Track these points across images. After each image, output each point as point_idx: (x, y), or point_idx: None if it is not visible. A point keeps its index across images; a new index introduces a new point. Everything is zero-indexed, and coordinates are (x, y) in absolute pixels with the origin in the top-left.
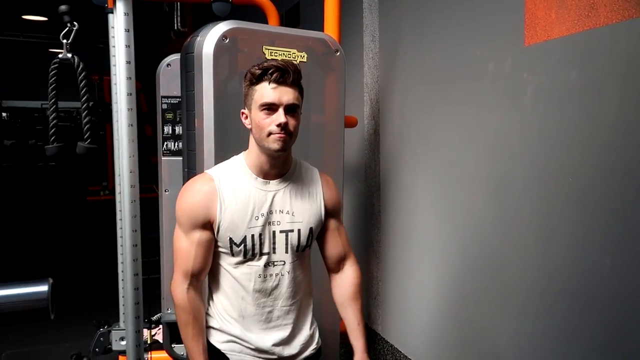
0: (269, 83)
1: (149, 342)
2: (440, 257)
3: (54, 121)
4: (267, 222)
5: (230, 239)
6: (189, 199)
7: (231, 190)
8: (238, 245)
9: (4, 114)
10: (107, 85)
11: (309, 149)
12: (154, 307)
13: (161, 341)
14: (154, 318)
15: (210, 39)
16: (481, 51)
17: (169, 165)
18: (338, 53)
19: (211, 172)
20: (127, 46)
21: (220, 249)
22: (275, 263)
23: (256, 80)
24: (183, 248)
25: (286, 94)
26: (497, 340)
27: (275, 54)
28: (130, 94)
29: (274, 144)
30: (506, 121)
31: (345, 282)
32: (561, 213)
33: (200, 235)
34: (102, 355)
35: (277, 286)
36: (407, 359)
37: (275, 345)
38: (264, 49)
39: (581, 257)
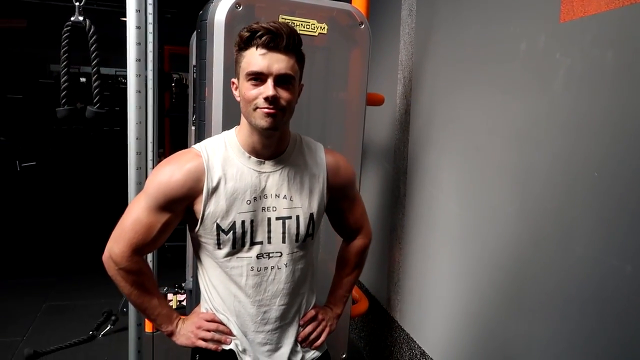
0: (257, 48)
1: (174, 307)
2: (459, 248)
3: (66, 84)
4: (261, 207)
5: (218, 225)
6: (169, 174)
7: (220, 169)
8: (226, 233)
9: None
10: (167, 56)
11: (326, 128)
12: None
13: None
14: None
15: (222, 6)
16: (515, 27)
17: None
18: (363, 26)
19: (199, 147)
20: (137, 11)
21: (205, 243)
22: (271, 254)
23: (244, 44)
24: (142, 222)
25: (277, 62)
26: (508, 342)
27: (292, 24)
28: (139, 60)
29: (261, 120)
30: (534, 107)
31: (349, 249)
32: (583, 211)
33: (169, 217)
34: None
35: (273, 281)
36: (419, 349)
37: (271, 350)
38: (280, 18)
39: (600, 260)
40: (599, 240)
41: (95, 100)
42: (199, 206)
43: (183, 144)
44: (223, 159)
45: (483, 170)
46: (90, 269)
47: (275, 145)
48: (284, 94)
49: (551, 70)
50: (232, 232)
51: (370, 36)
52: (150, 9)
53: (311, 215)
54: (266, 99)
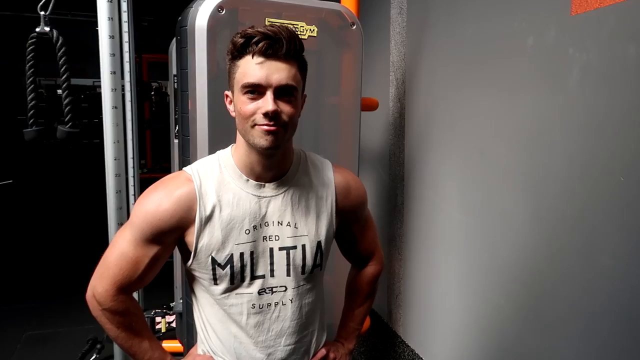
0: (253, 56)
1: (163, 330)
2: (466, 259)
3: (33, 102)
4: (262, 236)
5: (213, 259)
6: (157, 203)
7: (214, 196)
8: (223, 267)
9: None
10: (145, 65)
11: (319, 135)
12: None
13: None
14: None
15: (203, 10)
16: (519, 23)
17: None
18: (354, 27)
19: (190, 171)
20: (110, 19)
21: (199, 277)
22: (274, 289)
23: (238, 52)
24: (128, 256)
25: (277, 72)
26: (526, 358)
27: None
28: (114, 73)
29: (260, 139)
30: (546, 106)
31: (360, 277)
32: (607, 218)
33: (158, 251)
34: None
35: (277, 319)
36: None
37: None
38: (266, 22)
39: (628, 270)
40: (626, 249)
41: (67, 119)
42: (191, 238)
43: (166, 157)
44: (217, 183)
45: (489, 175)
46: (72, 293)
47: (276, 166)
48: (285, 108)
49: (564, 66)
50: (229, 266)
51: (363, 37)
52: (124, 16)
53: (319, 243)
54: (265, 114)
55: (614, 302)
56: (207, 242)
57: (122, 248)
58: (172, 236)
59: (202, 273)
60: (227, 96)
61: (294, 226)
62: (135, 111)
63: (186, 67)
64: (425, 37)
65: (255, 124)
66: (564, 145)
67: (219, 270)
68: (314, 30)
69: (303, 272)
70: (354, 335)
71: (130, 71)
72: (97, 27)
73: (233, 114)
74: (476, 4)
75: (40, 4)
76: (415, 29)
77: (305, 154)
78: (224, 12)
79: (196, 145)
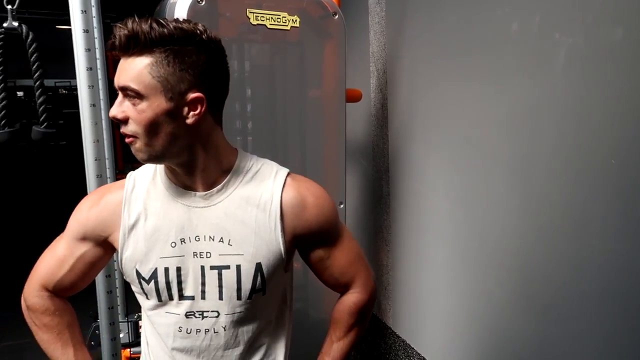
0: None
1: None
2: (455, 247)
3: (3, 102)
4: (192, 251)
5: (137, 272)
6: (88, 204)
7: (141, 203)
8: (148, 282)
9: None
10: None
11: (305, 129)
12: None
13: None
14: None
15: (182, 2)
16: (502, 8)
17: None
18: (337, 16)
19: (129, 176)
20: (84, 11)
21: (133, 287)
22: (205, 314)
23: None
24: (55, 254)
25: (120, 71)
26: (518, 344)
27: (262, 19)
28: (90, 69)
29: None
30: (532, 92)
31: (339, 306)
32: (600, 202)
33: (87, 250)
34: (99, 348)
35: (208, 347)
36: (419, 356)
37: None
38: (247, 12)
39: (623, 255)
40: (620, 234)
41: (42, 119)
42: (116, 245)
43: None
44: (147, 191)
45: (475, 164)
46: None
47: (200, 175)
48: (131, 112)
49: (550, 52)
50: (153, 280)
51: (345, 27)
52: (94, 11)
53: (258, 265)
54: (113, 120)
55: (603, 282)
56: (131, 253)
57: (53, 247)
58: (97, 238)
59: (133, 286)
60: None
61: (228, 243)
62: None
63: None
64: (405, 26)
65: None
66: (552, 130)
67: (144, 284)
68: (296, 20)
69: (239, 297)
70: None
71: (102, 68)
72: (57, 25)
73: None
74: None
75: None
76: (395, 18)
77: (255, 162)
78: (203, 3)
79: None
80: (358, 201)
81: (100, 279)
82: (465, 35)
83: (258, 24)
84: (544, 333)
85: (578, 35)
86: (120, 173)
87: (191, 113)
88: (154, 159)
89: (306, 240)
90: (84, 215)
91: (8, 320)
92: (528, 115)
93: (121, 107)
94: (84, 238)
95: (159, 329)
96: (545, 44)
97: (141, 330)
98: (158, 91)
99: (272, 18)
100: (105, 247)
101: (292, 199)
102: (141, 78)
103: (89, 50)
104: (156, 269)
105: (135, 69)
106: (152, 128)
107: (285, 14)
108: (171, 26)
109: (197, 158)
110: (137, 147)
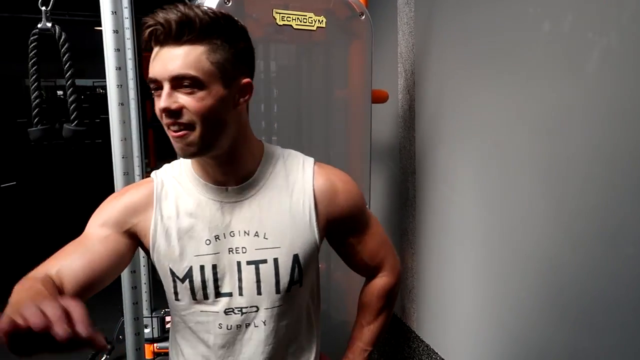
0: (154, 47)
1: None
2: (482, 252)
3: (37, 100)
4: (227, 248)
5: (172, 270)
6: (119, 195)
7: (173, 201)
8: (182, 281)
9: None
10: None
11: (330, 130)
12: None
13: None
14: None
15: (210, 2)
16: (534, 8)
17: None
18: (363, 17)
19: (153, 174)
20: (114, 12)
21: (166, 292)
22: (244, 310)
23: (145, 47)
24: (79, 238)
25: (171, 60)
26: (547, 355)
27: (288, 19)
28: (119, 69)
29: (175, 146)
30: (565, 94)
31: (368, 290)
32: (636, 208)
33: (108, 236)
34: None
35: (249, 341)
36: None
37: None
38: (274, 12)
39: None
40: None
41: (72, 117)
42: (147, 240)
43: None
44: (175, 190)
45: (506, 167)
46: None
47: (234, 168)
48: (188, 101)
49: (583, 52)
50: (188, 280)
51: (372, 27)
52: (126, 12)
53: (295, 257)
54: (162, 112)
55: (633, 294)
56: (164, 251)
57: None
58: (124, 225)
59: (165, 284)
60: None
61: (264, 237)
62: (139, 109)
63: None
64: (434, 26)
65: (168, 127)
66: (585, 134)
67: (178, 284)
68: (322, 20)
69: (277, 290)
70: (361, 357)
71: (134, 68)
72: (96, 26)
73: None
74: None
75: None
76: (424, 18)
77: (281, 152)
78: (230, 3)
79: None
80: (384, 203)
81: (125, 275)
82: (495, 36)
83: (284, 25)
84: (575, 344)
85: (613, 35)
86: (152, 171)
87: (241, 99)
88: (204, 150)
89: (338, 226)
90: (110, 204)
91: None
92: (560, 119)
93: (173, 98)
94: (109, 223)
95: (196, 327)
96: (578, 44)
97: (170, 340)
98: (217, 78)
99: (298, 18)
100: (130, 238)
101: (323, 186)
102: (200, 64)
103: (119, 50)
104: (191, 267)
105: (192, 56)
106: (212, 116)
107: (311, 15)
108: (217, 13)
109: (237, 148)
110: (190, 140)
